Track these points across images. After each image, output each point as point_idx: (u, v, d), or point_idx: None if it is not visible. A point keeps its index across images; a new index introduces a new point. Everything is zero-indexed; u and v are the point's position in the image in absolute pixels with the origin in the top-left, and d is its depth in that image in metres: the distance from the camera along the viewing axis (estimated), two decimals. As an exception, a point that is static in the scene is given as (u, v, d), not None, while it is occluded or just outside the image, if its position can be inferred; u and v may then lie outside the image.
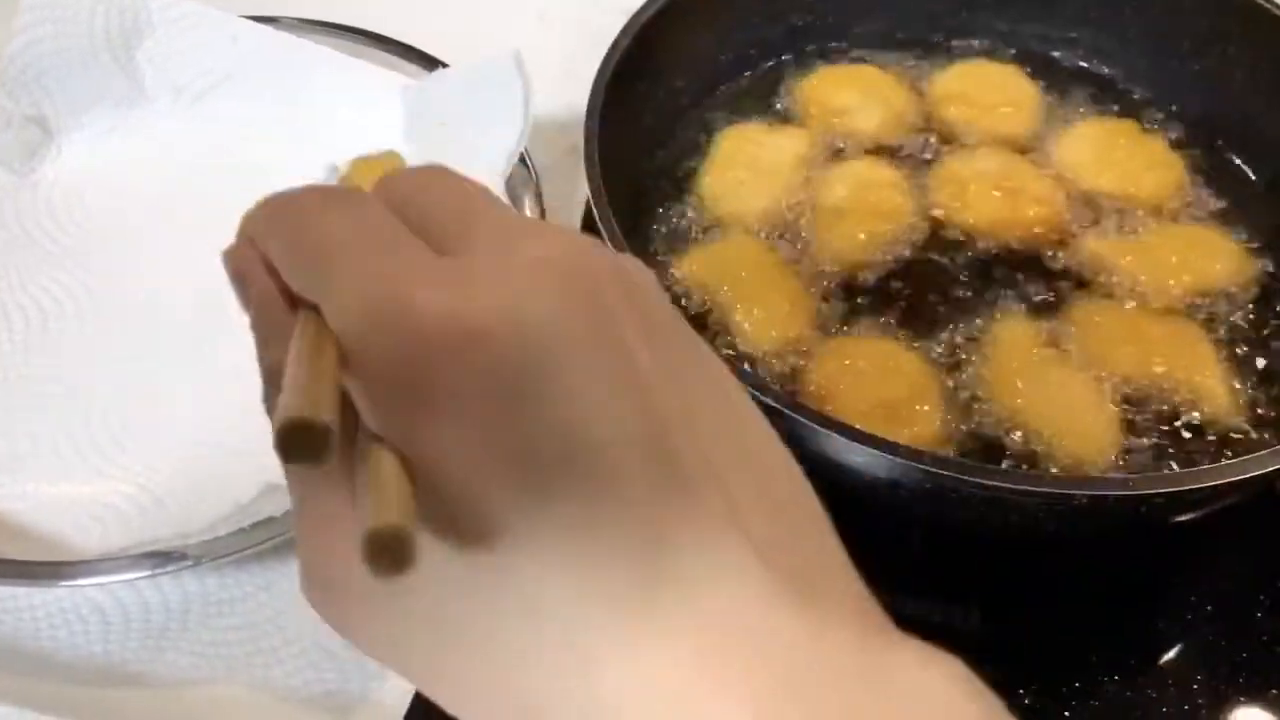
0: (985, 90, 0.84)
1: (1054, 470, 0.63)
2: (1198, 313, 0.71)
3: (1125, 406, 0.66)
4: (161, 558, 0.61)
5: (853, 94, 0.83)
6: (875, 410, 0.66)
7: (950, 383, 0.68)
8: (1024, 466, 0.63)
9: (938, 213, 0.77)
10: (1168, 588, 0.66)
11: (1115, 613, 0.65)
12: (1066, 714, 0.60)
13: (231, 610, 0.65)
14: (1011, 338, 0.69)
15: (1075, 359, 0.68)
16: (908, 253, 0.75)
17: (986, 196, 0.77)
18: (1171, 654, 0.63)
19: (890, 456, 0.54)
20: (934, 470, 0.53)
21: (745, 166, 0.79)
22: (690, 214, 0.77)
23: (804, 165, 0.80)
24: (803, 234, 0.75)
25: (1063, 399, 0.65)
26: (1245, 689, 0.61)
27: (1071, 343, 0.69)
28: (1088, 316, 0.70)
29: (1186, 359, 0.68)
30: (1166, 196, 0.78)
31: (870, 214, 0.75)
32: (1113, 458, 0.63)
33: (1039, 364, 0.67)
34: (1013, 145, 0.81)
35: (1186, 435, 0.66)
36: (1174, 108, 0.84)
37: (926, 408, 0.66)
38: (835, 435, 0.54)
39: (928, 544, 0.67)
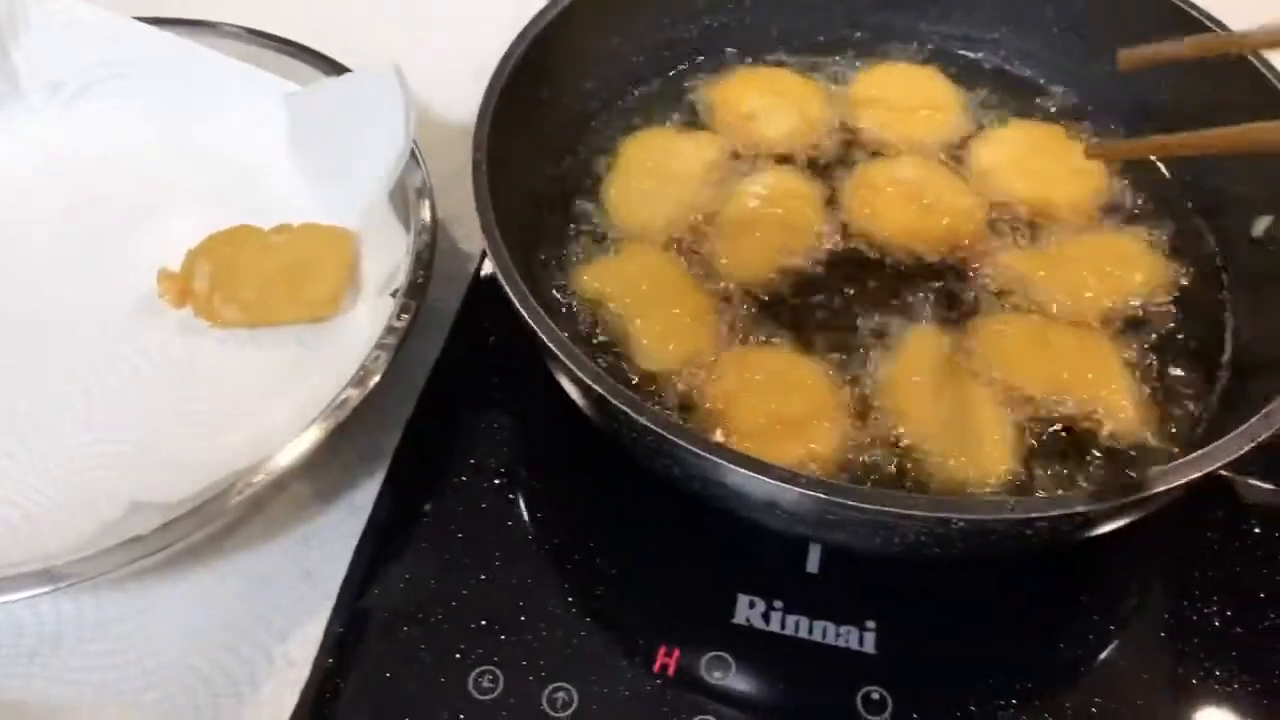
0: (904, 94, 0.83)
1: (936, 490, 0.61)
2: (1112, 323, 0.70)
3: (1030, 422, 0.65)
4: (39, 577, 0.59)
5: (765, 98, 0.81)
6: (772, 426, 0.64)
7: (852, 397, 0.66)
8: (911, 484, 0.62)
9: (849, 224, 0.75)
10: (1073, 607, 0.64)
11: (1015, 635, 0.63)
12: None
13: (106, 634, 0.63)
14: (915, 352, 0.68)
15: (981, 374, 0.67)
16: (819, 267, 0.73)
17: (900, 207, 0.75)
18: (1071, 678, 0.62)
19: (762, 478, 0.52)
20: (806, 493, 0.51)
21: (651, 174, 0.77)
22: (595, 223, 0.75)
23: (713, 173, 0.77)
24: (709, 246, 0.73)
25: (960, 416, 0.64)
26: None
27: (977, 358, 0.68)
28: (995, 330, 0.69)
29: (1094, 372, 0.67)
30: (1086, 202, 0.76)
31: (778, 226, 0.74)
32: (1007, 476, 0.62)
33: (940, 379, 0.66)
34: (931, 151, 0.79)
35: (1095, 452, 0.64)
36: (1092, 108, 0.82)
37: (826, 423, 0.64)
38: (708, 457, 0.53)
39: (822, 564, 0.65)
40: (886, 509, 0.51)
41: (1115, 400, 0.65)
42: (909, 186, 0.76)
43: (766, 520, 0.58)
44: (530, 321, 0.58)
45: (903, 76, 0.85)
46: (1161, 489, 0.52)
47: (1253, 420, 0.54)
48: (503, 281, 0.60)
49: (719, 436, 0.64)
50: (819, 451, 0.63)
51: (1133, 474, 0.56)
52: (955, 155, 0.80)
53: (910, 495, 0.52)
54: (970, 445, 0.62)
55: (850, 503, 0.51)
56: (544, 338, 0.58)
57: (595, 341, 0.69)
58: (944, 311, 0.71)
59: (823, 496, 0.51)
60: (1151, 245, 0.74)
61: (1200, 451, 0.53)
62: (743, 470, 0.52)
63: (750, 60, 0.86)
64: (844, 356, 0.68)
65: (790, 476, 0.52)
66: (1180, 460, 0.53)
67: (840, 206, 0.76)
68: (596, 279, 0.71)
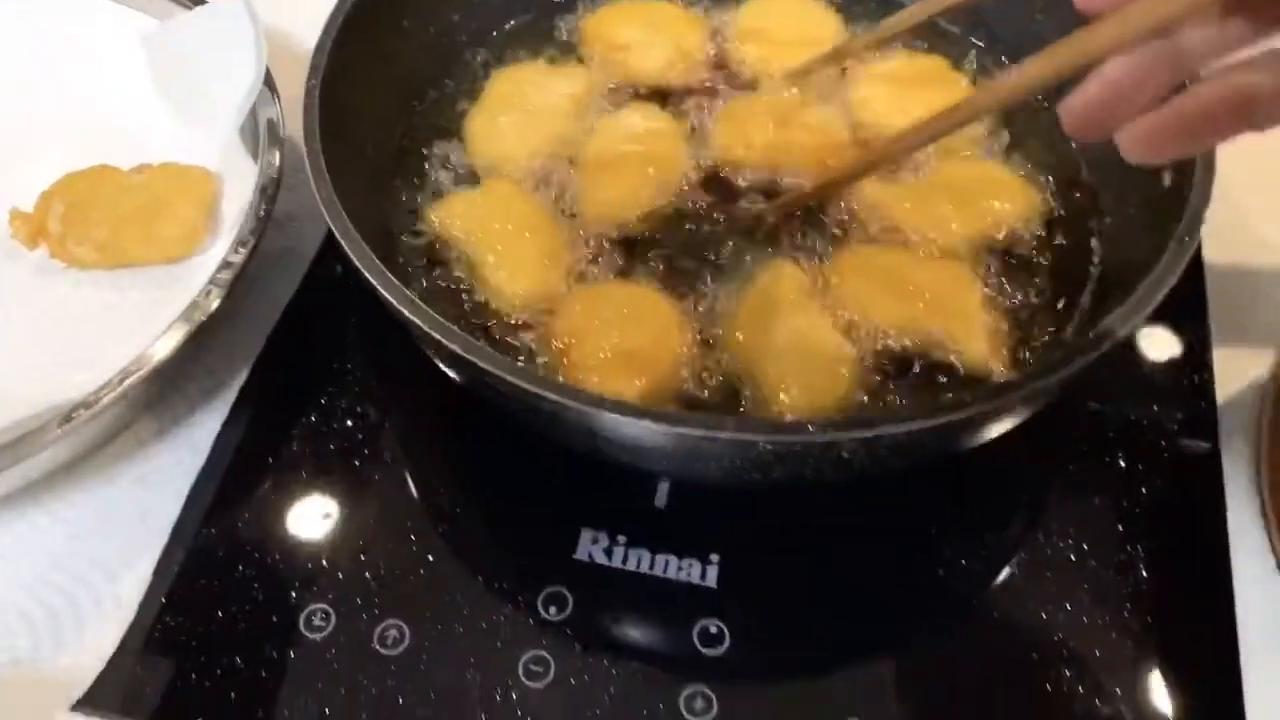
0: (782, 25, 0.80)
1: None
2: (977, 254, 0.68)
3: (880, 355, 0.63)
4: None
5: (639, 31, 0.79)
6: (613, 359, 0.62)
7: (699, 331, 0.64)
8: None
9: (714, 159, 0.73)
10: (918, 542, 0.63)
11: (858, 569, 0.62)
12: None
13: (-73, 572, 0.62)
14: (769, 286, 0.66)
15: (834, 307, 0.65)
16: (681, 202, 0.71)
17: (765, 140, 0.73)
18: (911, 614, 0.60)
19: (574, 404, 0.50)
20: (616, 415, 0.50)
21: (517, 109, 0.75)
22: (455, 161, 0.74)
23: (581, 108, 0.75)
24: (569, 183, 0.72)
25: (798, 346, 0.62)
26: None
27: (832, 290, 0.66)
28: (849, 262, 0.67)
29: (948, 304, 0.65)
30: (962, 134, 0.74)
31: (640, 163, 0.71)
32: (841, 406, 0.60)
33: (783, 311, 0.64)
34: (807, 85, 0.77)
35: (942, 380, 0.62)
36: (976, 38, 0.80)
37: (667, 356, 0.63)
38: (527, 386, 0.51)
39: (670, 499, 0.64)
40: (690, 431, 0.49)
41: (967, 331, 0.63)
42: (776, 119, 0.74)
43: (610, 453, 0.56)
44: (351, 254, 0.57)
45: (784, 7, 0.82)
46: (976, 410, 0.50)
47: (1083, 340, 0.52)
48: (324, 211, 0.58)
49: (565, 370, 0.62)
50: (656, 382, 0.61)
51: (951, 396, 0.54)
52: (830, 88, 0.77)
53: (714, 417, 0.50)
54: (804, 375, 0.60)
55: (658, 426, 0.49)
56: (365, 272, 0.56)
57: (447, 283, 0.67)
58: (804, 242, 0.69)
59: (619, 417, 0.49)
60: (1023, 175, 0.72)
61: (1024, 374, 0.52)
62: (550, 395, 0.50)
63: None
64: (697, 290, 0.67)
65: (595, 400, 0.50)
66: (1002, 381, 0.51)
67: (707, 142, 0.74)
68: (448, 214, 0.69)
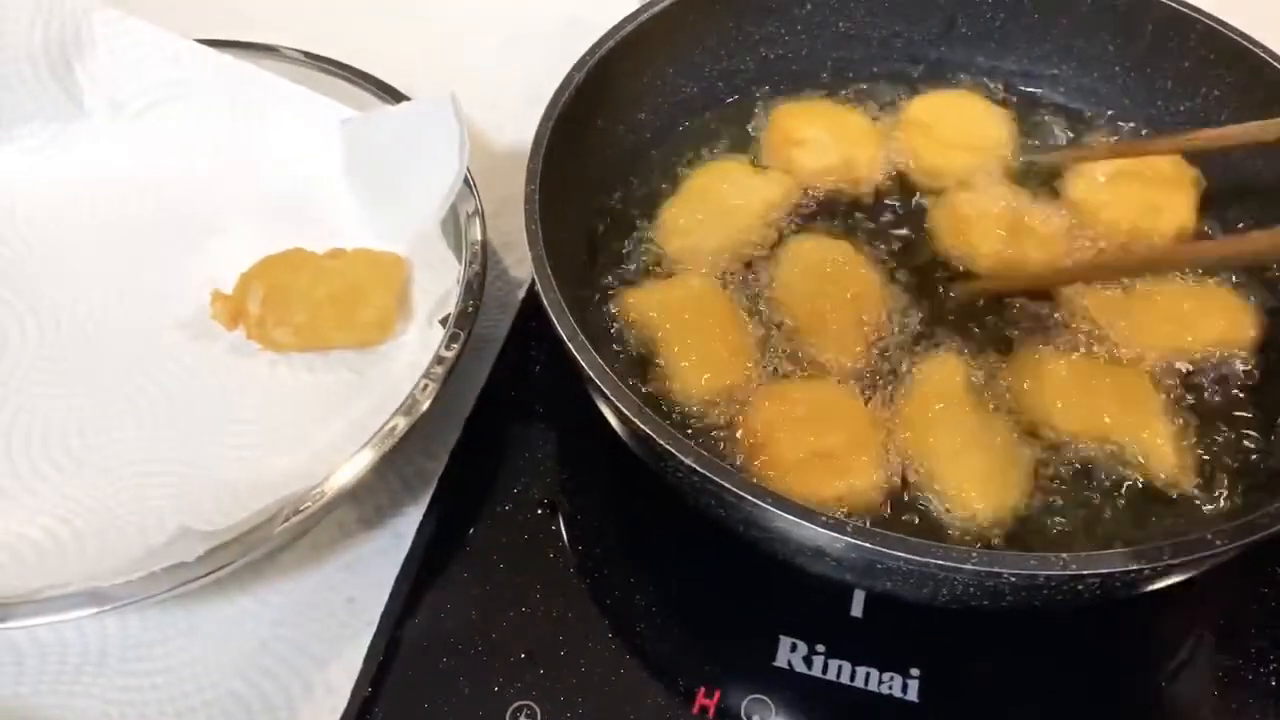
0: (952, 127, 0.81)
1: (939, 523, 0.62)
2: (1175, 372, 0.68)
3: (1057, 459, 0.64)
4: (86, 598, 0.59)
5: (815, 130, 0.81)
6: (811, 460, 0.63)
7: (886, 429, 0.65)
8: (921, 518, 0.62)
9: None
10: (1123, 660, 0.63)
11: (1063, 688, 0.62)
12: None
13: (150, 654, 0.63)
14: (934, 381, 0.67)
15: (1015, 408, 0.66)
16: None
17: (990, 236, 0.74)
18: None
19: (808, 524, 0.51)
20: (854, 541, 0.51)
21: (709, 204, 0.76)
22: (647, 251, 0.75)
23: (772, 212, 0.77)
24: (760, 280, 0.73)
25: (972, 449, 0.63)
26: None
27: (1013, 391, 0.67)
28: (1034, 365, 0.68)
29: (1135, 415, 0.65)
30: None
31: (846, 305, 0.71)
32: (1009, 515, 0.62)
33: (960, 410, 0.65)
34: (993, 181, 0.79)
35: (1125, 498, 0.63)
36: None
37: (864, 457, 0.64)
38: (752, 500, 0.52)
39: (867, 608, 0.64)
40: (934, 561, 0.50)
41: (1154, 444, 0.64)
42: (1000, 215, 0.75)
43: (811, 565, 0.57)
44: (575, 353, 0.58)
45: (956, 104, 0.84)
46: (1220, 549, 0.50)
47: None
48: (550, 313, 0.60)
49: (758, 469, 0.63)
50: (857, 486, 0.62)
51: (1194, 533, 0.54)
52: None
53: (960, 548, 0.51)
54: (980, 478, 0.62)
55: (898, 553, 0.50)
56: (587, 369, 0.57)
57: (641, 368, 0.69)
58: (985, 333, 0.70)
59: (869, 546, 0.50)
60: (1238, 296, 0.72)
61: (1264, 510, 0.52)
62: (788, 516, 0.51)
63: (802, 94, 0.85)
64: (884, 387, 0.68)
65: (837, 524, 0.51)
66: (1247, 519, 0.52)
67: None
68: (640, 302, 0.71)
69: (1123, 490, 0.63)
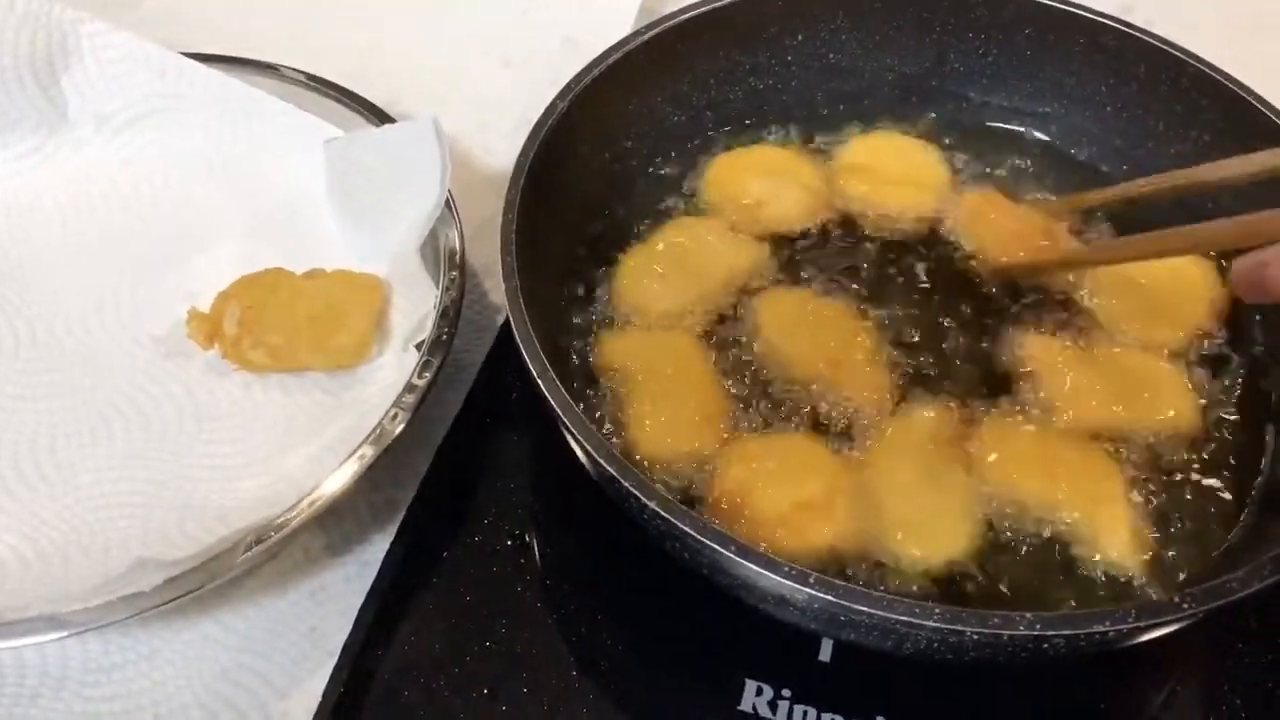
0: (887, 164, 0.81)
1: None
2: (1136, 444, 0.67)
3: (1012, 524, 0.64)
4: (46, 623, 0.58)
5: (762, 181, 0.80)
6: (795, 513, 0.62)
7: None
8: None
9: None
10: (1093, 715, 0.62)
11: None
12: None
13: (109, 678, 0.62)
14: (903, 433, 0.67)
15: (978, 474, 0.65)
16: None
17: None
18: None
19: (769, 574, 0.51)
20: (816, 593, 0.50)
21: (674, 262, 0.75)
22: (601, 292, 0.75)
23: (737, 277, 0.75)
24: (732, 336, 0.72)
25: (929, 490, 0.64)
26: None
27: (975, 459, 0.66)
28: (1001, 429, 0.67)
29: (1093, 491, 0.64)
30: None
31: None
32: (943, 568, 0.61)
33: (921, 454, 0.65)
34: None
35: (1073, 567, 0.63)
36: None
37: (840, 503, 0.63)
38: (716, 549, 0.51)
39: (835, 654, 0.63)
40: (895, 616, 0.49)
41: (1109, 525, 0.63)
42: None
43: (778, 613, 0.56)
44: (545, 390, 0.58)
45: (888, 145, 0.84)
46: (1186, 612, 0.50)
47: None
48: (521, 350, 0.59)
49: (743, 529, 0.62)
50: (846, 533, 0.62)
51: (1170, 596, 0.53)
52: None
53: (923, 604, 0.50)
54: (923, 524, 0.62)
55: (859, 606, 0.49)
56: (556, 407, 0.57)
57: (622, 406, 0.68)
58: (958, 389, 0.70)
59: (829, 599, 0.49)
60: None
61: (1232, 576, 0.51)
62: (751, 565, 0.51)
63: (792, 125, 0.85)
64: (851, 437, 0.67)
65: (799, 575, 0.50)
66: (1214, 582, 0.51)
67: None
68: (616, 349, 0.71)
69: (1074, 563, 0.63)
